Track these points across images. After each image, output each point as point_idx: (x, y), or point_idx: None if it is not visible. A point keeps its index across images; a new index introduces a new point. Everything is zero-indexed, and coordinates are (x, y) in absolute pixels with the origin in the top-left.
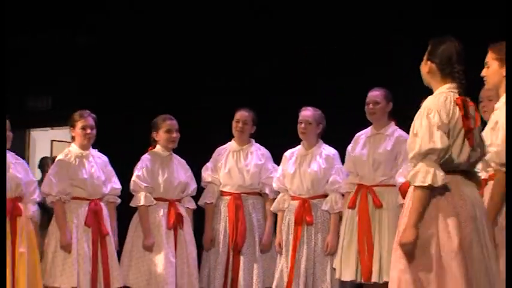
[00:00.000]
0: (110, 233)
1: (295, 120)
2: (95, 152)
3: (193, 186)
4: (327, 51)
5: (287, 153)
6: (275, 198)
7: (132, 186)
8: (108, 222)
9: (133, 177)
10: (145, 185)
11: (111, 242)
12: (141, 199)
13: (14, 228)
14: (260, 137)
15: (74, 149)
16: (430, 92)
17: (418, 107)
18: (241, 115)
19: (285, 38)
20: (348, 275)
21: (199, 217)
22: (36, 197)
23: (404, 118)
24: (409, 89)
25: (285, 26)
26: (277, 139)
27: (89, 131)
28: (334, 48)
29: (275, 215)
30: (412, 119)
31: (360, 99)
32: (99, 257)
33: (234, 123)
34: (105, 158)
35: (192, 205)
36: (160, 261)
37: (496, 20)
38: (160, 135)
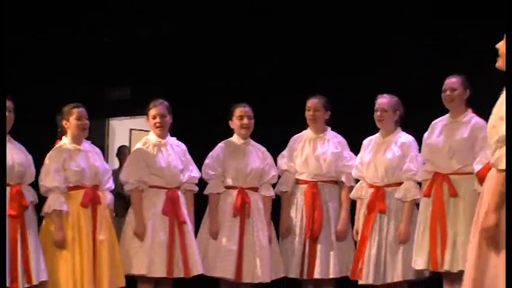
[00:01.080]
0: (188, 221)
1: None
2: (172, 140)
3: (272, 173)
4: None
5: (365, 141)
6: (352, 186)
7: (202, 174)
8: (185, 211)
9: (203, 166)
10: (213, 173)
11: (189, 229)
12: (208, 187)
13: (95, 216)
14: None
15: (152, 137)
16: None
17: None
18: (312, 103)
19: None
20: (421, 264)
21: (276, 205)
22: (111, 185)
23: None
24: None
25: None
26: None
27: (158, 119)
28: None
29: (353, 203)
30: None
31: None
32: (177, 245)
33: (306, 112)
34: (183, 147)
35: (269, 193)
36: (218, 247)
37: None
38: (234, 122)
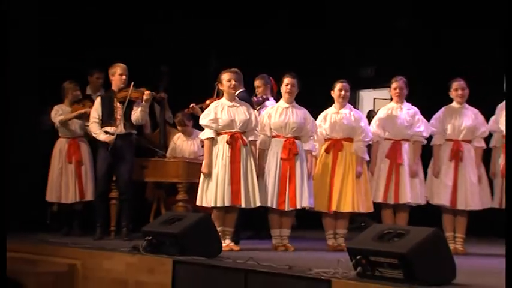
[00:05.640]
0: (405, 163)
1: None
2: (407, 105)
3: (482, 129)
4: None
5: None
6: None
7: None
8: (406, 156)
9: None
10: (435, 129)
11: (405, 169)
12: (432, 140)
13: (334, 160)
14: None
15: (391, 104)
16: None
17: None
18: None
19: None
20: None
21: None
22: (362, 137)
23: None
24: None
25: None
26: None
27: (398, 90)
28: None
29: None
30: None
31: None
32: (393, 180)
33: None
34: (412, 111)
35: (480, 144)
36: (439, 183)
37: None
38: (452, 93)
